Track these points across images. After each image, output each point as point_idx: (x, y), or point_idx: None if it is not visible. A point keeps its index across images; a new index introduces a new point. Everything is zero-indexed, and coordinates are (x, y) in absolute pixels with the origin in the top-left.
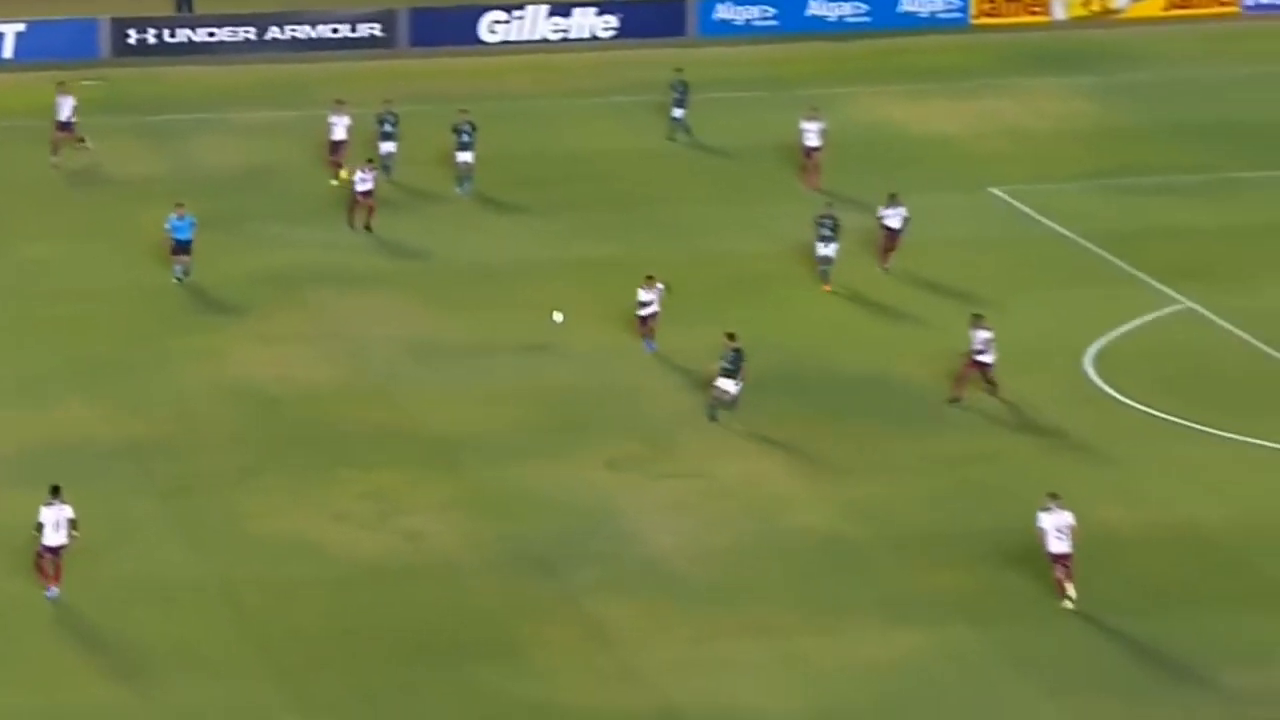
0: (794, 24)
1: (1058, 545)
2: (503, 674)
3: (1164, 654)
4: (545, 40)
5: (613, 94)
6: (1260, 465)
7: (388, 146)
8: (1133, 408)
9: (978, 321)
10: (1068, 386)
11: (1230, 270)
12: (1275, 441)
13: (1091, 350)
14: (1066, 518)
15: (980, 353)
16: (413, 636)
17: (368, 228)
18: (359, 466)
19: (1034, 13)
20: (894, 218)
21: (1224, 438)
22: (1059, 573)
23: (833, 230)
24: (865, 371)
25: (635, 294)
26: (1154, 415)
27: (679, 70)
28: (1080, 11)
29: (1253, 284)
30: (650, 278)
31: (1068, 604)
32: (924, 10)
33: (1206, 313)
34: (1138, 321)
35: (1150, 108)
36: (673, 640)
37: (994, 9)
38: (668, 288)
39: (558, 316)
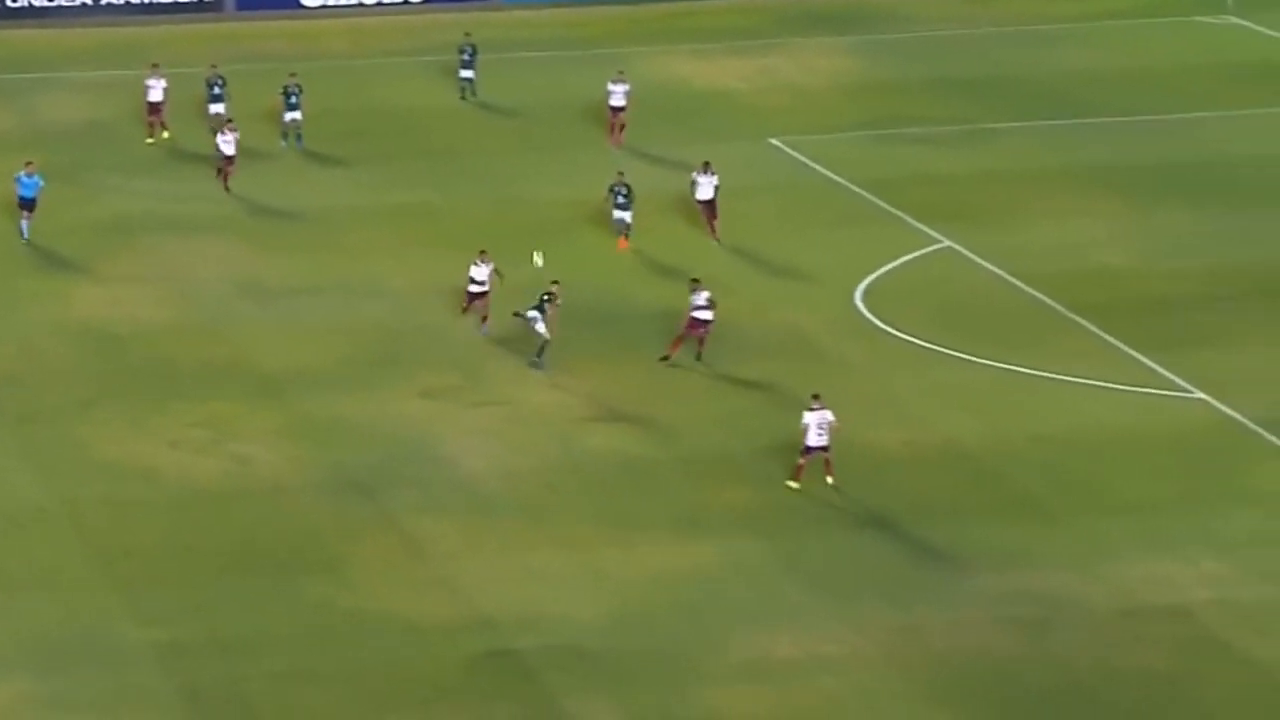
0: None
1: (817, 439)
2: (327, 587)
3: (927, 560)
4: (360, 5)
5: (423, 54)
6: (1012, 388)
7: (217, 108)
8: (898, 337)
9: (696, 285)
10: (840, 318)
11: (986, 212)
12: (1025, 366)
13: (861, 286)
14: (827, 415)
15: (702, 309)
16: (243, 553)
17: (226, 189)
18: (192, 398)
19: None
20: (706, 187)
21: (980, 363)
22: (803, 460)
23: (626, 196)
24: (657, 307)
25: (447, 239)
26: (917, 344)
27: (467, 34)
28: None
29: (1006, 224)
30: (484, 253)
31: (795, 485)
32: None
33: (965, 251)
34: (903, 259)
35: (912, 64)
36: (484, 554)
37: None
38: (499, 275)
39: (538, 260)
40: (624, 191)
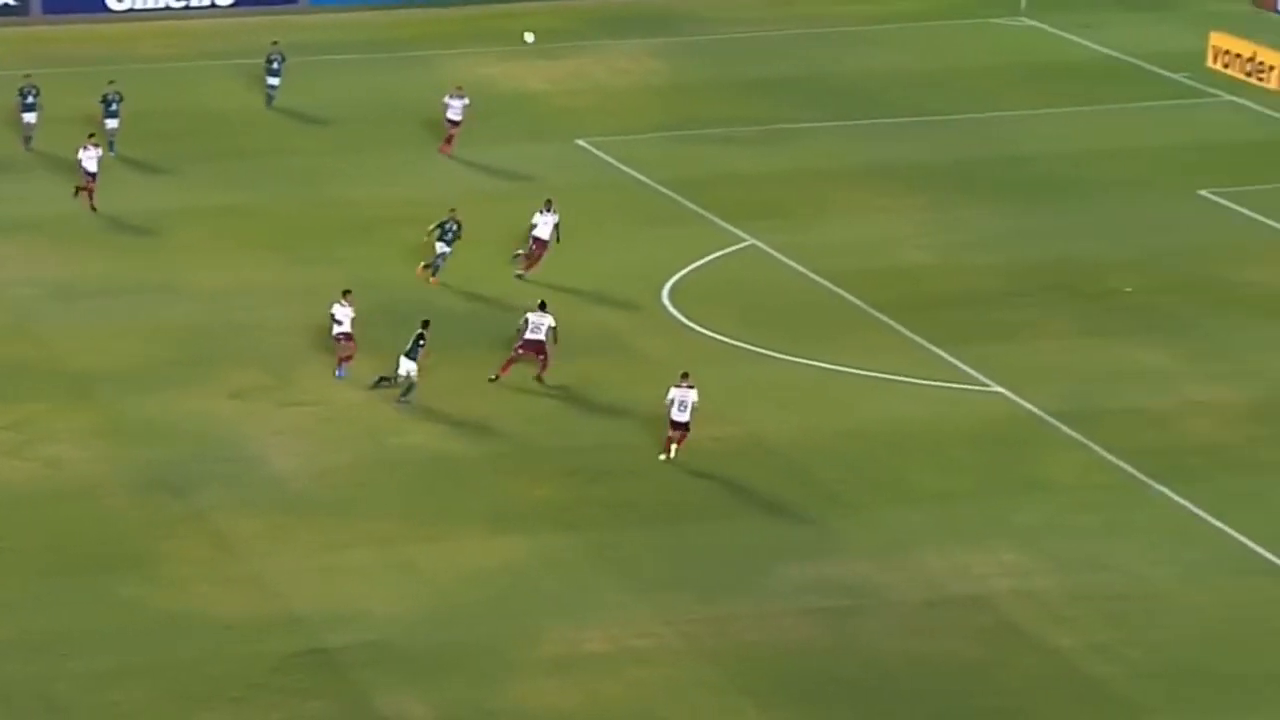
0: None
1: (679, 415)
2: (137, 586)
3: (735, 553)
4: (168, 8)
5: (234, 57)
6: (817, 383)
7: (29, 117)
8: (705, 335)
9: (541, 309)
10: (648, 316)
11: (790, 210)
12: (829, 362)
13: (668, 284)
14: (691, 395)
15: (534, 330)
16: (53, 553)
17: (93, 208)
18: (1, 400)
19: None
20: (544, 226)
21: (785, 359)
22: (673, 435)
23: (455, 234)
24: (468, 307)
25: (259, 240)
26: (723, 341)
27: (275, 42)
28: None
29: (809, 223)
30: (348, 293)
31: (663, 458)
32: None
33: (769, 249)
34: (708, 258)
35: (717, 66)
36: (295, 552)
37: None
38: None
39: (529, 37)
40: (454, 229)
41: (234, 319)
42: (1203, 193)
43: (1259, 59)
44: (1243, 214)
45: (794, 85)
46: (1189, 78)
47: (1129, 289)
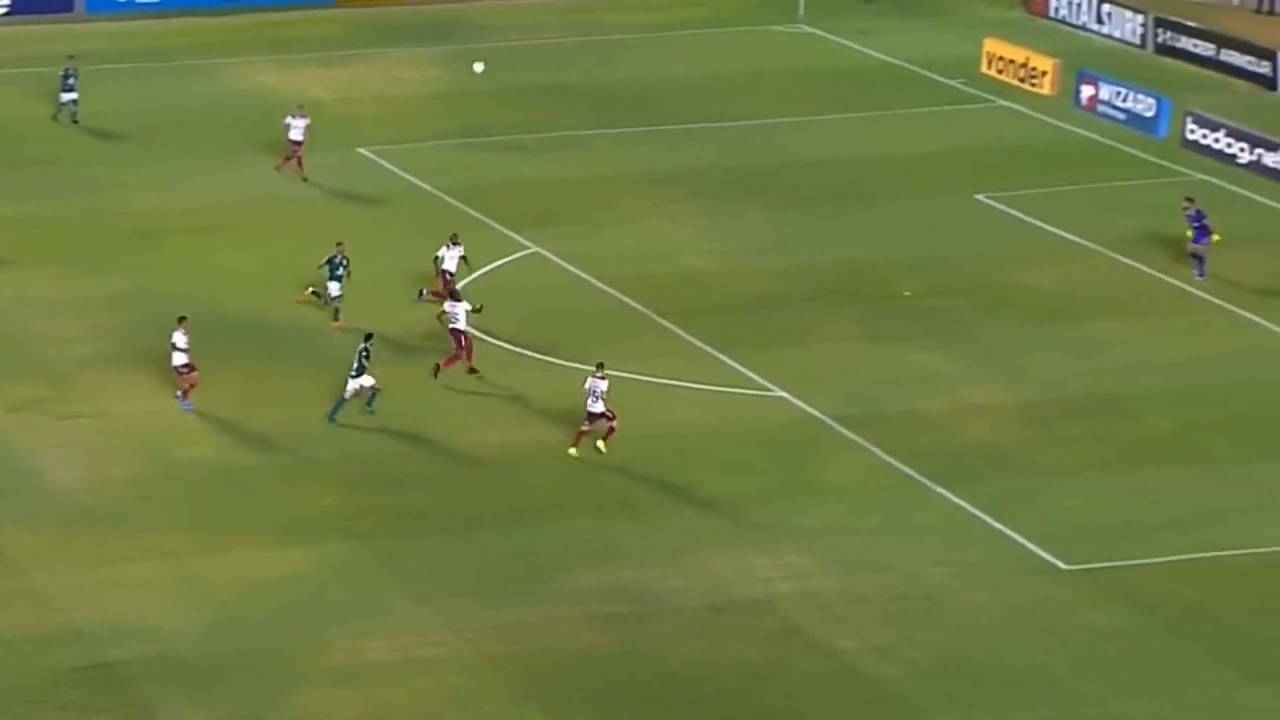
0: (174, 1)
1: (593, 406)
2: None
3: (523, 560)
4: None
5: (11, 66)
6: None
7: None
8: (490, 342)
9: (456, 298)
10: (432, 326)
11: (573, 218)
12: (614, 369)
13: None
14: (601, 385)
15: (455, 320)
16: None
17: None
18: None
19: None
20: (450, 260)
21: (572, 367)
22: (585, 427)
23: (345, 269)
24: (251, 315)
25: (38, 251)
26: (509, 349)
27: (71, 56)
28: None
29: (593, 229)
30: (183, 319)
31: (572, 451)
32: None
33: (553, 256)
34: (492, 266)
35: (499, 73)
36: (74, 565)
37: None
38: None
39: (478, 66)
40: (344, 264)
41: (12, 331)
42: (979, 197)
43: (1032, 64)
44: (1018, 218)
45: (576, 92)
46: (964, 83)
47: (908, 293)
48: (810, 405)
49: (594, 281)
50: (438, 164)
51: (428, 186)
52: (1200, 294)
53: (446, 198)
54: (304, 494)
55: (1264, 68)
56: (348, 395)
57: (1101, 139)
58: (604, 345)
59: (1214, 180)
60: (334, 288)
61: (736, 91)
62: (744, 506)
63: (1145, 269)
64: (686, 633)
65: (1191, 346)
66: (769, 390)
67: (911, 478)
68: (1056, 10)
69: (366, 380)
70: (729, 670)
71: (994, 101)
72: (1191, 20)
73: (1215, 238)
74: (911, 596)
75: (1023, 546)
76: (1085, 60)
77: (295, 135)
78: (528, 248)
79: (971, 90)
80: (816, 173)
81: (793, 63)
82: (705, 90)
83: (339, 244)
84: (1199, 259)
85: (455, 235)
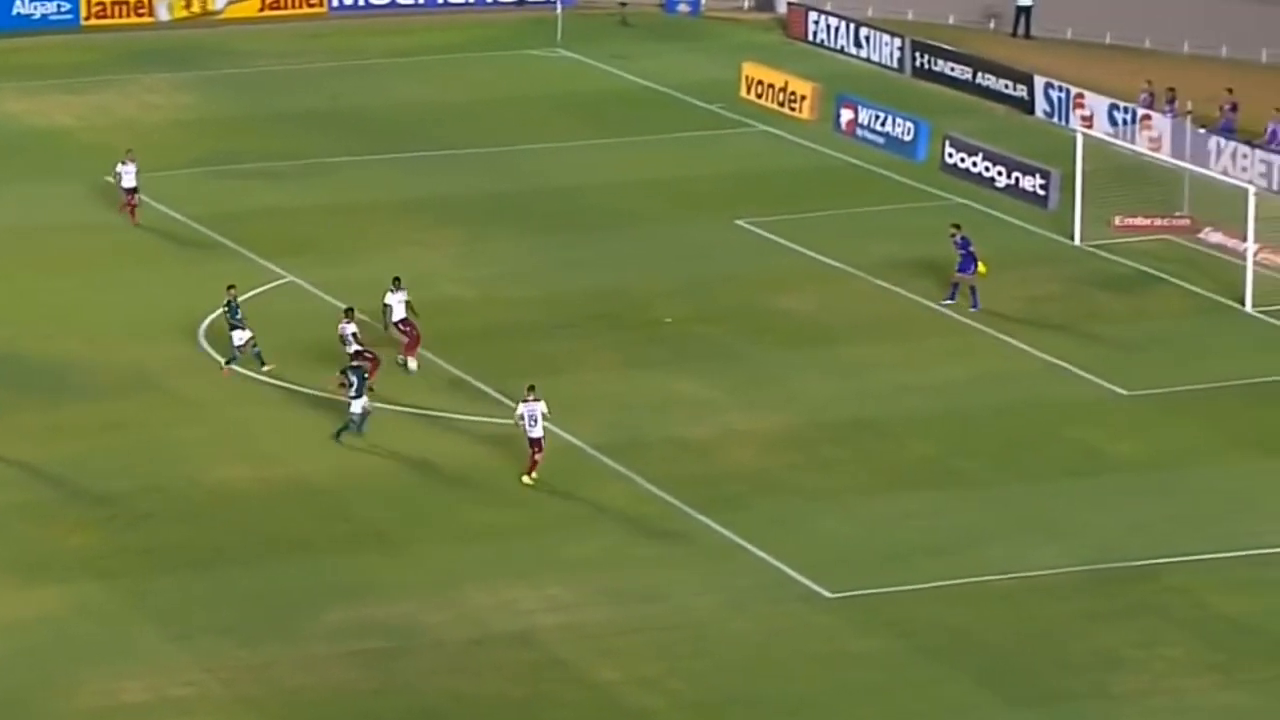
0: None
1: (532, 431)
2: None
3: (277, 597)
4: None
5: None
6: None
7: None
8: (244, 374)
9: (346, 316)
10: (185, 357)
11: (328, 246)
12: (368, 399)
13: (205, 323)
14: (539, 407)
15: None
16: None
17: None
18: None
19: (140, 14)
20: (399, 306)
21: (326, 397)
22: (534, 454)
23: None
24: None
25: None
26: (263, 380)
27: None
28: (182, 13)
29: (349, 258)
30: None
31: (527, 480)
32: (36, 13)
33: (308, 285)
34: (245, 295)
35: (251, 99)
36: None
37: (103, 11)
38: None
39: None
40: (235, 307)
41: None
42: (740, 222)
43: (791, 89)
44: (778, 243)
45: (327, 119)
46: (723, 108)
47: (669, 319)
48: (571, 434)
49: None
50: (188, 192)
51: (178, 215)
52: (959, 318)
53: (198, 226)
54: (51, 532)
55: (1020, 91)
56: (355, 415)
57: (861, 163)
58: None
59: (972, 204)
60: (241, 335)
61: (492, 117)
62: (505, 538)
63: (905, 293)
64: (445, 668)
65: (951, 370)
66: None
67: (675, 506)
68: (815, 34)
69: (364, 403)
70: (489, 706)
71: (753, 126)
72: (949, 44)
73: (981, 269)
74: (676, 627)
75: (786, 574)
76: (844, 84)
77: (127, 183)
78: (282, 277)
79: (731, 115)
80: (574, 198)
81: (550, 87)
82: (461, 116)
83: (230, 287)
84: (972, 290)
85: (398, 279)
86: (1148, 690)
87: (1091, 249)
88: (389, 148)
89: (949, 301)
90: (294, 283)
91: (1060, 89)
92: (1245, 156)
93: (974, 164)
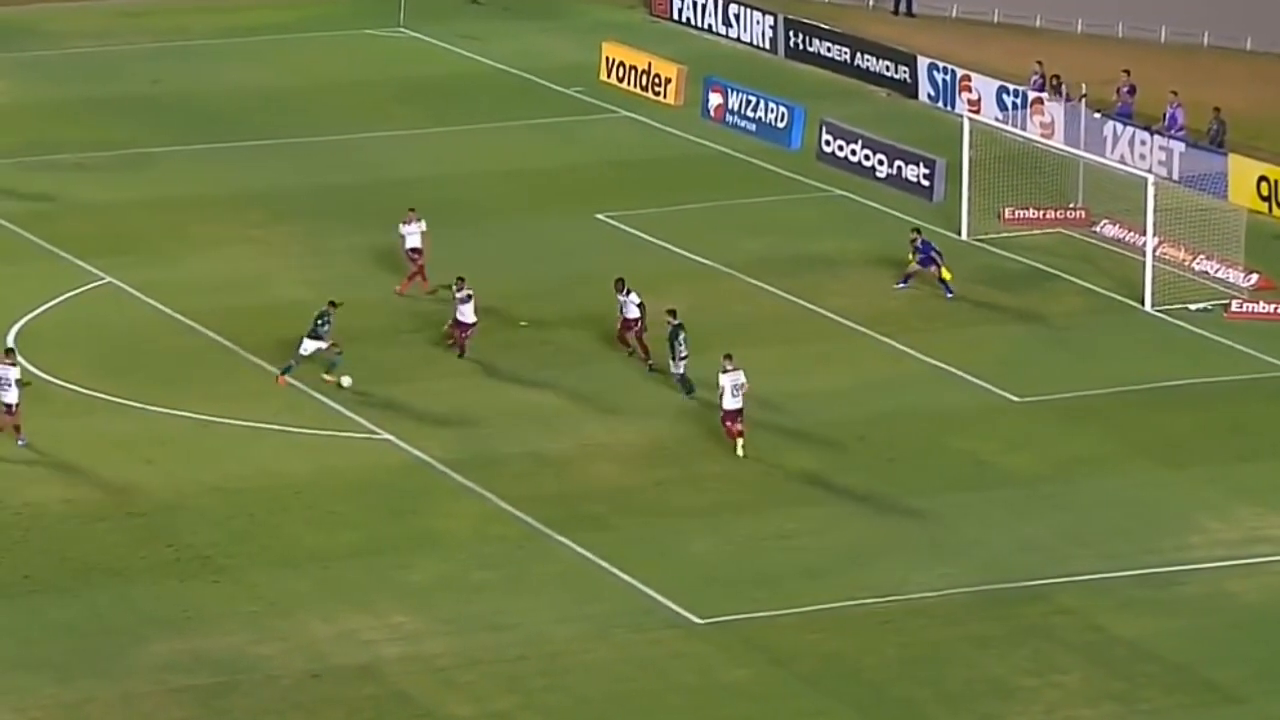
0: None
1: (731, 402)
2: None
3: (92, 628)
4: None
5: None
6: (185, 435)
7: None
8: (59, 385)
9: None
10: None
11: (150, 244)
12: (198, 411)
13: (14, 330)
14: (739, 377)
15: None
16: None
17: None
18: None
19: None
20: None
21: (150, 410)
22: (734, 426)
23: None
24: None
25: None
26: (80, 392)
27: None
28: None
29: (173, 257)
30: (10, 351)
31: (740, 452)
32: None
33: (128, 288)
34: (59, 299)
35: (63, 84)
36: None
37: None
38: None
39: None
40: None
41: None
42: (600, 216)
43: (655, 71)
44: (642, 239)
45: (149, 105)
46: (582, 92)
47: (524, 323)
48: (419, 449)
49: (176, 315)
50: None
51: None
52: (837, 319)
53: (6, 223)
54: None
55: (902, 74)
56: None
57: (731, 152)
58: (188, 385)
59: (851, 195)
60: (309, 346)
61: (330, 102)
62: (344, 562)
63: (781, 293)
64: (280, 704)
65: (831, 376)
66: (373, 433)
67: (531, 526)
68: (681, 11)
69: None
70: None
71: (615, 112)
72: (825, 23)
73: (947, 275)
74: (532, 656)
75: (651, 598)
76: (713, 66)
77: (411, 243)
78: (99, 278)
79: (590, 100)
80: (420, 191)
81: (393, 70)
82: (295, 101)
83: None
84: (941, 281)
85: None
86: None
87: (980, 244)
88: (217, 137)
89: (901, 286)
90: (113, 284)
91: (945, 71)
92: (1144, 143)
93: (853, 152)
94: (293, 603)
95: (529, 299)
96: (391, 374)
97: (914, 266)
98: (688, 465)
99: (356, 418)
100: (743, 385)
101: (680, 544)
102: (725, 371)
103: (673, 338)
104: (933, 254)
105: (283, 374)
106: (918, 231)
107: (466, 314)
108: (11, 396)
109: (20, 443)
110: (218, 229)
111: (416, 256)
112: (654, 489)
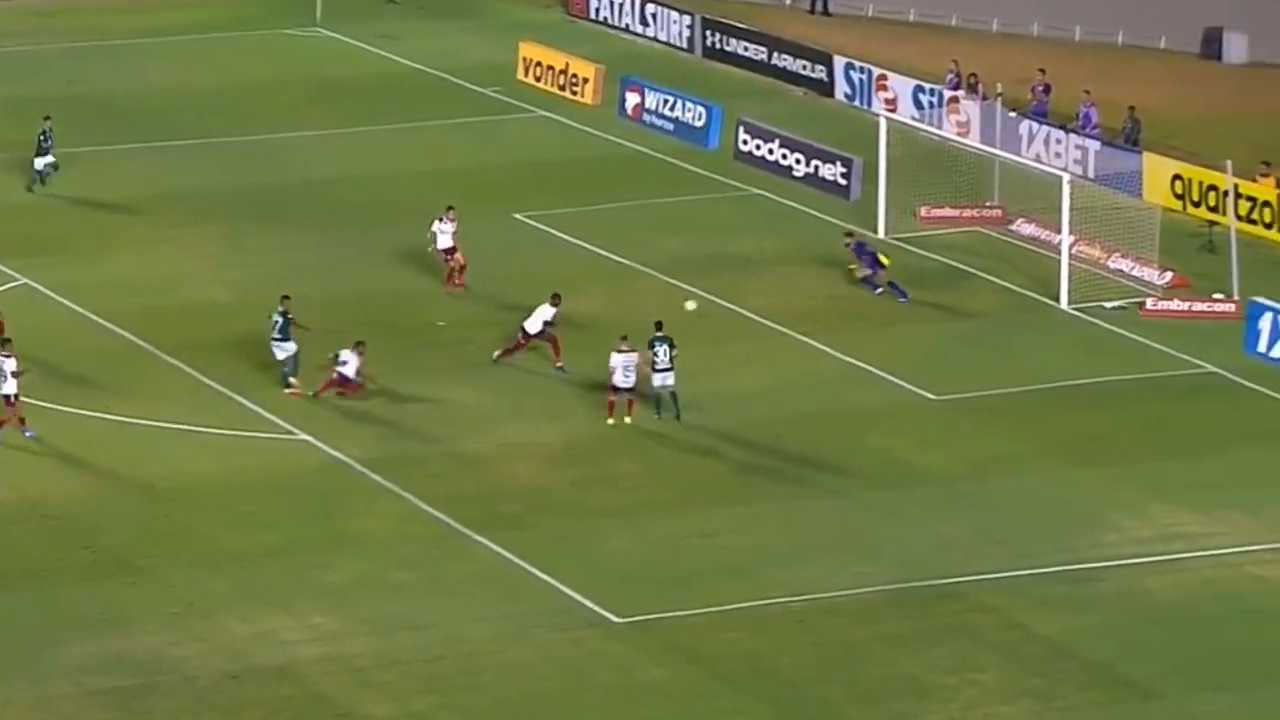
0: None
1: (624, 381)
2: None
3: (7, 631)
4: None
5: None
6: (102, 437)
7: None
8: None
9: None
10: None
11: (67, 245)
12: (115, 413)
13: None
14: (634, 358)
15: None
16: None
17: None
18: None
19: None
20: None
21: (67, 412)
22: (613, 399)
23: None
24: None
25: None
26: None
27: (47, 117)
28: None
29: (91, 258)
30: (7, 341)
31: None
32: None
33: (44, 289)
34: None
35: None
36: None
37: None
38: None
39: (690, 305)
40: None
41: None
42: (518, 216)
43: (572, 71)
44: (560, 238)
45: (64, 105)
46: (500, 92)
47: (443, 323)
48: (335, 449)
49: (92, 316)
50: None
51: None
52: (756, 318)
53: None
54: None
55: (819, 73)
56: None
57: (649, 151)
58: (104, 388)
59: (768, 194)
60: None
61: (247, 102)
62: (262, 563)
63: (699, 293)
64: (198, 705)
65: (749, 376)
66: (290, 433)
67: (449, 526)
68: (598, 11)
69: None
70: None
71: (532, 111)
72: (742, 22)
73: (885, 261)
74: (450, 656)
75: (569, 597)
76: (630, 66)
77: (444, 243)
78: (14, 279)
79: (508, 99)
80: (338, 191)
81: (309, 70)
82: (212, 101)
83: (285, 296)
84: (892, 284)
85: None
86: None
87: (897, 242)
88: (133, 137)
89: (879, 292)
90: (28, 285)
91: (862, 70)
92: (1059, 142)
93: (770, 151)
94: (211, 603)
95: (447, 299)
96: (309, 374)
97: (865, 270)
98: (606, 464)
99: (274, 418)
100: (637, 365)
101: (598, 543)
102: (620, 351)
103: (651, 348)
104: (869, 251)
105: (286, 387)
106: (850, 235)
107: (350, 370)
108: (10, 388)
109: (28, 434)
110: (136, 229)
111: (450, 256)
112: (572, 488)
